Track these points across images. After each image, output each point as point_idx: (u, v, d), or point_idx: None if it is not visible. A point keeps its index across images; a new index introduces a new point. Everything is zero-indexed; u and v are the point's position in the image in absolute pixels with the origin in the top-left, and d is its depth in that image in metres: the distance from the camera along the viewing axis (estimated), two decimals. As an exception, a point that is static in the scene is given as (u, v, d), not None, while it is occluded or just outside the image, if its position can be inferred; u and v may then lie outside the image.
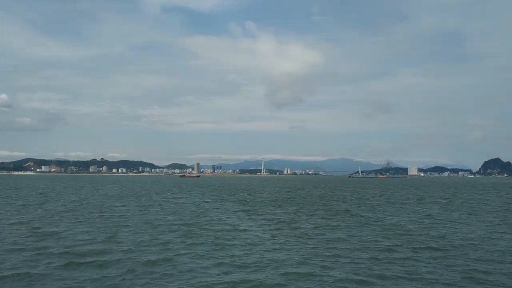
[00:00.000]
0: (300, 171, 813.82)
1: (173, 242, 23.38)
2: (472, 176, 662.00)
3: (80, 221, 31.60)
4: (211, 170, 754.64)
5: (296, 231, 27.22)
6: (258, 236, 25.23)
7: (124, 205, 45.99)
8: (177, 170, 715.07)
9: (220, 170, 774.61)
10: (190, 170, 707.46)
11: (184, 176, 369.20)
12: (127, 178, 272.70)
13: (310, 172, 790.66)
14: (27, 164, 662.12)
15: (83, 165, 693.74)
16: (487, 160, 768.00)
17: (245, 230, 27.65)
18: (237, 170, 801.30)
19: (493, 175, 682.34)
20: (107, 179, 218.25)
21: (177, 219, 33.29)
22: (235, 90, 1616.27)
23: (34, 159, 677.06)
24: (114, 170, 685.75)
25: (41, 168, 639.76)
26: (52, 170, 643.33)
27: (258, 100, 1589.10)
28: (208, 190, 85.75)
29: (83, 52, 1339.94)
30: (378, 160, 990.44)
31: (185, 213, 37.75)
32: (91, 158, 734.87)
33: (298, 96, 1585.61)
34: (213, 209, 41.99)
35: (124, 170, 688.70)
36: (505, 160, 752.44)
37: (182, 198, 60.64)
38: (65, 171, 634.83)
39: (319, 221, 32.62)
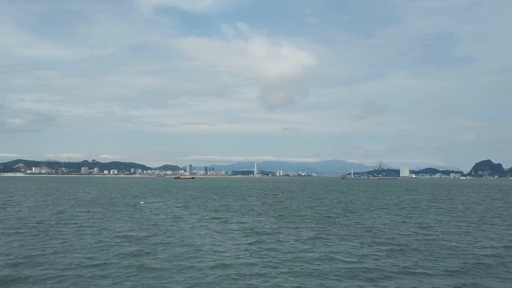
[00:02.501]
0: (292, 172, 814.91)
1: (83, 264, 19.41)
2: (464, 177, 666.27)
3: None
4: (204, 172, 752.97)
5: (270, 250, 24.89)
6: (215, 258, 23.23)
7: (88, 211, 44.22)
8: (169, 172, 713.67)
9: (212, 172, 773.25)
10: (183, 171, 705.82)
11: (178, 177, 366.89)
12: (118, 180, 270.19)
13: (302, 174, 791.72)
14: (17, 165, 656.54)
15: (74, 167, 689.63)
16: (478, 162, 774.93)
17: (202, 246, 24.06)
18: (229, 172, 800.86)
19: (484, 177, 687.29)
20: (95, 181, 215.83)
21: (127, 230, 29.87)
22: (228, 91, 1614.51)
23: (24, 160, 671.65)
24: (106, 172, 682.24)
25: (32, 170, 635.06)
26: (43, 171, 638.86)
27: (251, 101, 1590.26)
28: (196, 193, 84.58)
29: (75, 53, 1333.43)
30: (371, 162, 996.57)
31: (145, 223, 34.11)
32: (83, 160, 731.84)
33: (291, 98, 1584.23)
34: (185, 217, 39.86)
35: (116, 172, 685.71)
36: (495, 162, 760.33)
37: (159, 202, 58.93)
38: (56, 173, 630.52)
39: (299, 233, 31.19)
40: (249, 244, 24.73)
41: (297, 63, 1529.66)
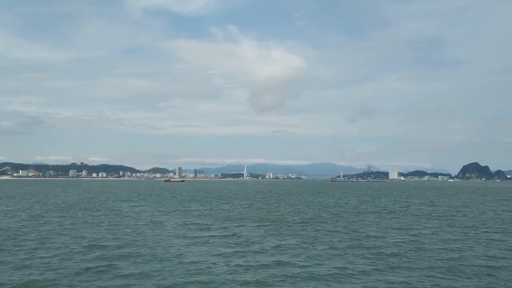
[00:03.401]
0: (282, 175, 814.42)
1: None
2: (452, 180, 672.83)
3: None
4: (193, 174, 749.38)
5: (248, 259, 23.81)
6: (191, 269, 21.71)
7: (63, 216, 43.04)
8: (158, 174, 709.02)
9: (202, 174, 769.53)
10: (172, 174, 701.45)
11: (168, 180, 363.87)
12: (105, 183, 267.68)
13: (292, 176, 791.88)
14: (4, 168, 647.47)
15: (62, 169, 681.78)
16: (466, 164, 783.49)
17: (174, 259, 21.84)
18: (219, 174, 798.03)
19: (472, 179, 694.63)
20: (82, 184, 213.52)
21: (97, 238, 28.21)
22: (218, 94, 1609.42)
23: (12, 163, 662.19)
24: (94, 175, 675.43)
25: (19, 173, 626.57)
26: (30, 174, 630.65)
27: (241, 104, 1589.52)
28: (183, 196, 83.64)
29: (65, 55, 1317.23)
30: (360, 164, 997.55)
31: (120, 230, 32.46)
32: (71, 162, 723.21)
33: (282, 101, 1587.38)
34: (165, 223, 38.48)
35: (104, 175, 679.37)
36: (483, 165, 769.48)
37: (142, 206, 57.97)
38: (44, 176, 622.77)
39: (282, 242, 30.50)
40: (228, 255, 23.52)
41: (287, 65, 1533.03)
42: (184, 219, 40.83)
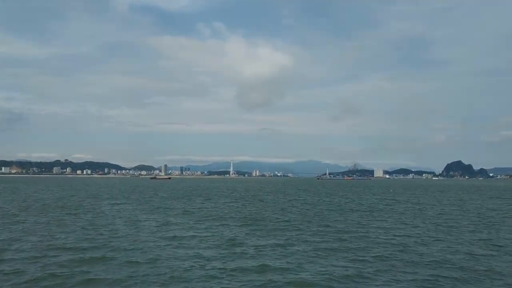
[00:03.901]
0: (269, 173, 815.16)
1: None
2: (436, 178, 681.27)
3: None
4: (179, 172, 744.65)
5: (227, 262, 23.08)
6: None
7: (39, 214, 41.54)
8: (143, 172, 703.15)
9: (188, 172, 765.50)
10: (158, 171, 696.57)
11: (155, 178, 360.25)
12: (89, 180, 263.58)
13: (279, 174, 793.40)
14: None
15: (46, 166, 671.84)
16: (449, 162, 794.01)
17: (148, 263, 20.47)
18: (205, 172, 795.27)
19: (455, 177, 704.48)
20: (65, 181, 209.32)
21: (69, 241, 26.38)
22: (204, 91, 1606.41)
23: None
24: (79, 172, 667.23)
25: (1, 170, 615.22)
26: (13, 171, 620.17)
27: (227, 102, 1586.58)
28: (167, 194, 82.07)
29: (49, 51, 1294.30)
30: (346, 162, 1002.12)
31: (95, 230, 30.92)
32: (55, 159, 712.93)
33: (268, 99, 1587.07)
34: (143, 223, 37.33)
35: (89, 172, 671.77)
36: (466, 163, 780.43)
37: (123, 204, 56.33)
38: (27, 173, 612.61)
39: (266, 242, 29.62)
40: (206, 257, 22.37)
41: (274, 64, 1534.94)
42: (165, 218, 39.51)
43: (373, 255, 23.05)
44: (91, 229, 31.64)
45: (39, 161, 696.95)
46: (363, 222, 37.94)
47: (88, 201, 63.56)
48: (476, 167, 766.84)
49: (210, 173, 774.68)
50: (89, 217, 40.40)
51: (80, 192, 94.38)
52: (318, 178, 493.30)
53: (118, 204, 57.91)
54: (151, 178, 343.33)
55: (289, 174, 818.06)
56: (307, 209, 51.62)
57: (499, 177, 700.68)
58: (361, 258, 22.30)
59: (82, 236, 28.30)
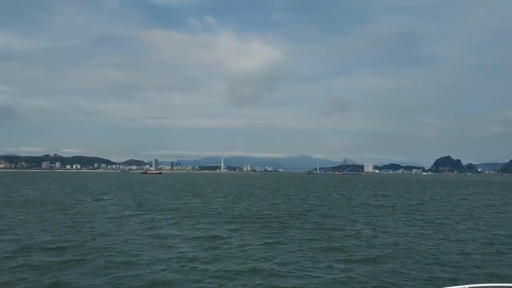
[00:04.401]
0: (259, 168, 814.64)
1: None
2: (425, 173, 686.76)
3: None
4: (170, 167, 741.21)
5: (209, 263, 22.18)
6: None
7: (17, 211, 40.03)
8: (134, 167, 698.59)
9: (179, 167, 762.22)
10: (148, 166, 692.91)
11: (145, 172, 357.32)
12: (78, 175, 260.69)
13: (269, 169, 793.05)
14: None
15: (35, 161, 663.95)
16: (438, 158, 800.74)
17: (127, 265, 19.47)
18: (196, 167, 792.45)
19: (444, 173, 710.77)
20: (54, 176, 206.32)
21: (45, 240, 25.35)
22: (195, 86, 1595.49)
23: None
24: (68, 166, 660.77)
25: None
26: (1, 166, 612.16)
27: (218, 96, 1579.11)
28: (155, 189, 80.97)
29: (37, 44, 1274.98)
30: (336, 158, 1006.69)
31: (74, 228, 29.68)
32: (44, 154, 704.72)
33: (259, 93, 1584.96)
34: (127, 220, 36.11)
35: (79, 167, 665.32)
36: (455, 158, 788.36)
37: (109, 200, 54.77)
38: (16, 167, 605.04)
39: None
40: (187, 258, 21.33)
41: (265, 58, 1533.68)
42: (150, 215, 38.26)
43: (361, 254, 22.24)
44: (71, 228, 30.35)
45: (28, 155, 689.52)
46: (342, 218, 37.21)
47: (73, 197, 62.16)
48: (464, 163, 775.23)
49: (201, 168, 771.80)
50: (71, 214, 39.06)
51: (66, 187, 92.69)
52: (309, 173, 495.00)
53: (104, 200, 56.63)
54: (142, 173, 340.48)
55: (280, 169, 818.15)
56: (297, 205, 50.77)
57: (487, 172, 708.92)
58: (350, 258, 21.48)
59: (61, 235, 27.05)
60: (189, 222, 34.00)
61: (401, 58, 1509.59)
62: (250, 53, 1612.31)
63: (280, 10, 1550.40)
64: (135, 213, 40.46)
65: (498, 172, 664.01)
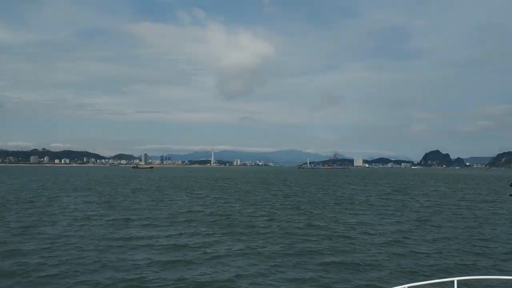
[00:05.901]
0: (250, 162, 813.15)
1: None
2: (415, 167, 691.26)
3: None
4: (160, 161, 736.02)
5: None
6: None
7: None
8: (123, 161, 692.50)
9: (169, 161, 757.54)
10: (138, 161, 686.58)
11: (136, 167, 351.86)
12: (67, 170, 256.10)
13: (260, 163, 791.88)
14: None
15: (23, 156, 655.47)
16: (427, 152, 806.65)
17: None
18: (186, 161, 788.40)
19: (433, 166, 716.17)
20: (38, 171, 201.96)
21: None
22: (184, 79, 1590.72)
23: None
24: (57, 161, 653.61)
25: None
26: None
27: (208, 90, 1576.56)
28: (139, 185, 78.29)
29: (24, 37, 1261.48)
30: (326, 152, 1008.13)
31: (34, 228, 27.24)
32: (32, 148, 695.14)
33: (249, 87, 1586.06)
34: (96, 219, 33.78)
35: (68, 161, 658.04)
36: (444, 152, 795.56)
37: (88, 196, 51.97)
38: (3, 162, 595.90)
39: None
40: (159, 264, 19.11)
41: (254, 52, 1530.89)
42: (124, 214, 35.35)
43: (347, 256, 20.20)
44: (31, 228, 27.67)
45: (15, 150, 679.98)
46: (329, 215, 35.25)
47: (47, 192, 59.28)
48: (453, 157, 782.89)
49: (191, 162, 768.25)
50: (37, 212, 36.26)
51: (47, 182, 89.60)
52: (299, 167, 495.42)
53: (82, 196, 53.96)
54: (133, 168, 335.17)
55: (270, 164, 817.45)
56: (285, 203, 48.77)
57: (475, 166, 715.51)
58: (337, 260, 19.43)
59: (17, 237, 24.42)
60: (166, 222, 31.43)
61: (389, 53, 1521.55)
62: (240, 47, 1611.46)
63: (270, 4, 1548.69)
64: (109, 212, 37.49)
65: (485, 166, 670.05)
